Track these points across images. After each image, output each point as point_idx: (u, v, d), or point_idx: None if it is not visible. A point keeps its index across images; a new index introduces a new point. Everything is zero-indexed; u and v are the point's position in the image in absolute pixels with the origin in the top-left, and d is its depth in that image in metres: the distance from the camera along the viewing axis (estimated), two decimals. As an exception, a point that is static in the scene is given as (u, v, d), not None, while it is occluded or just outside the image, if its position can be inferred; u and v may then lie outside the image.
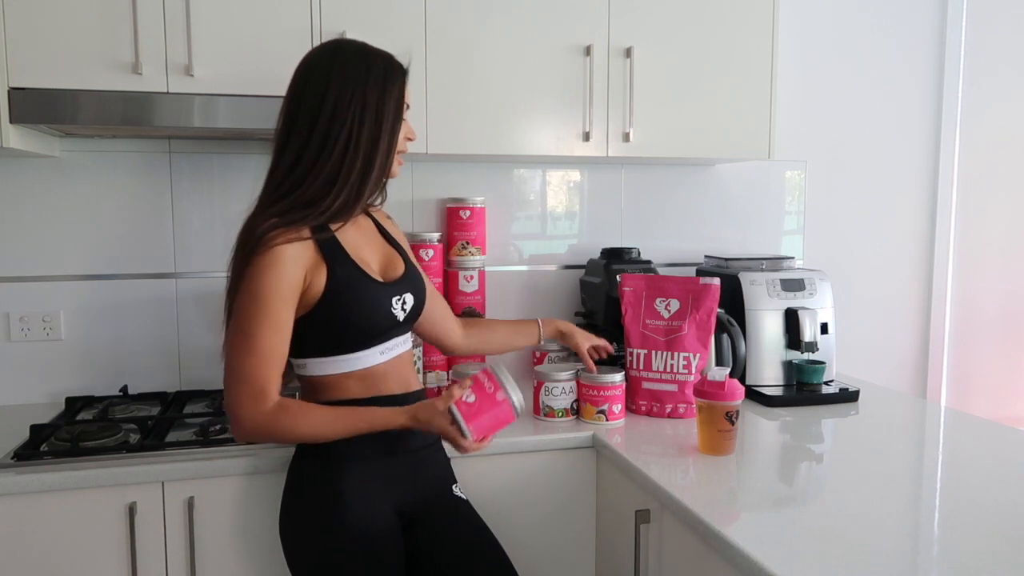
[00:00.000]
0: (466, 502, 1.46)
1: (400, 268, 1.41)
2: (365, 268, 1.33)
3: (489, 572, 1.38)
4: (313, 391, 1.36)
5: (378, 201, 1.42)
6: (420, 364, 1.91)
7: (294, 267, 1.24)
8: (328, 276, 1.27)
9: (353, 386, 1.33)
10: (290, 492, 1.36)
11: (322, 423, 1.26)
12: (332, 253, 1.29)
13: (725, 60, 2.00)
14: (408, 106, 1.36)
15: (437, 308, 1.59)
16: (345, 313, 1.29)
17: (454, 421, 1.24)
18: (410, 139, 1.39)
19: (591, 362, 1.72)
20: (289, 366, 1.36)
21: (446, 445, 1.43)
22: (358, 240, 1.38)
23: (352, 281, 1.30)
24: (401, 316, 1.36)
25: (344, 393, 1.33)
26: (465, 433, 1.23)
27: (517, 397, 1.25)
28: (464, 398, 1.23)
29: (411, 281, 1.41)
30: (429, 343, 1.67)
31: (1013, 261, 2.67)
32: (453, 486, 1.45)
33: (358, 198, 1.30)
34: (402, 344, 1.40)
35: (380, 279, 1.35)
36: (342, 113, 1.27)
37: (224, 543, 1.50)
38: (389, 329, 1.35)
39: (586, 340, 1.74)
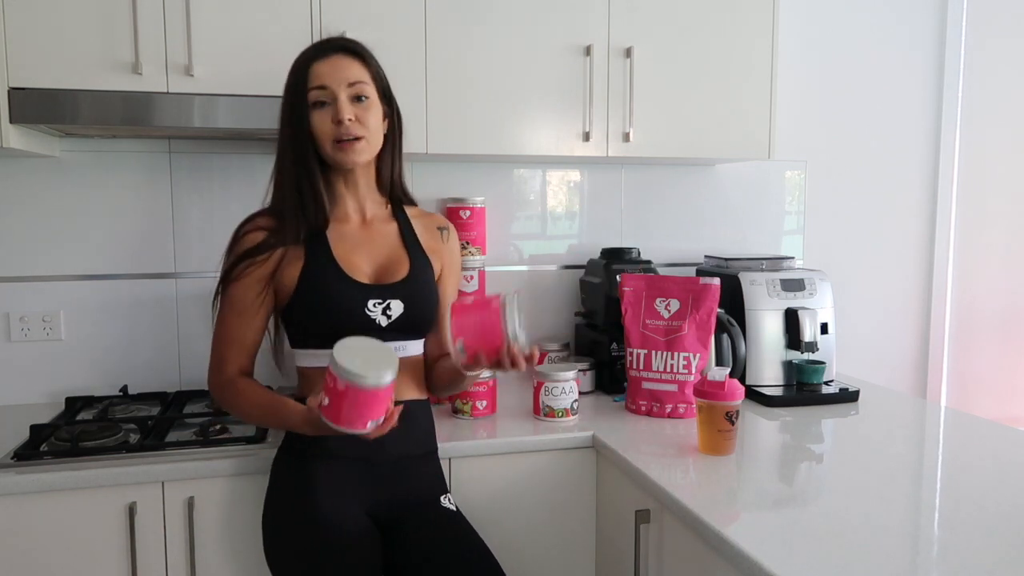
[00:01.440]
0: (456, 513, 1.42)
1: (399, 274, 1.38)
2: (343, 264, 1.34)
3: None
4: (299, 383, 1.40)
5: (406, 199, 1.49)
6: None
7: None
8: (303, 266, 1.32)
9: None
10: (269, 488, 1.38)
11: (251, 406, 1.32)
12: (311, 244, 1.33)
13: (725, 60, 2.00)
14: (324, 87, 1.31)
15: (429, 345, 1.47)
16: (311, 304, 1.32)
17: None
18: (338, 121, 1.31)
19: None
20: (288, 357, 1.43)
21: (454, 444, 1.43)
22: (354, 240, 1.38)
23: (323, 274, 1.33)
24: (383, 321, 1.34)
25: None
26: (340, 432, 1.15)
27: (354, 371, 1.10)
28: (320, 404, 1.16)
29: (407, 290, 1.37)
30: None
31: (1013, 261, 2.67)
32: (442, 496, 1.42)
33: (294, 194, 1.34)
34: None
35: (363, 280, 1.35)
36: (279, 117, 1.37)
37: (224, 543, 1.50)
38: (365, 332, 1.32)
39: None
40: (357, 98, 1.32)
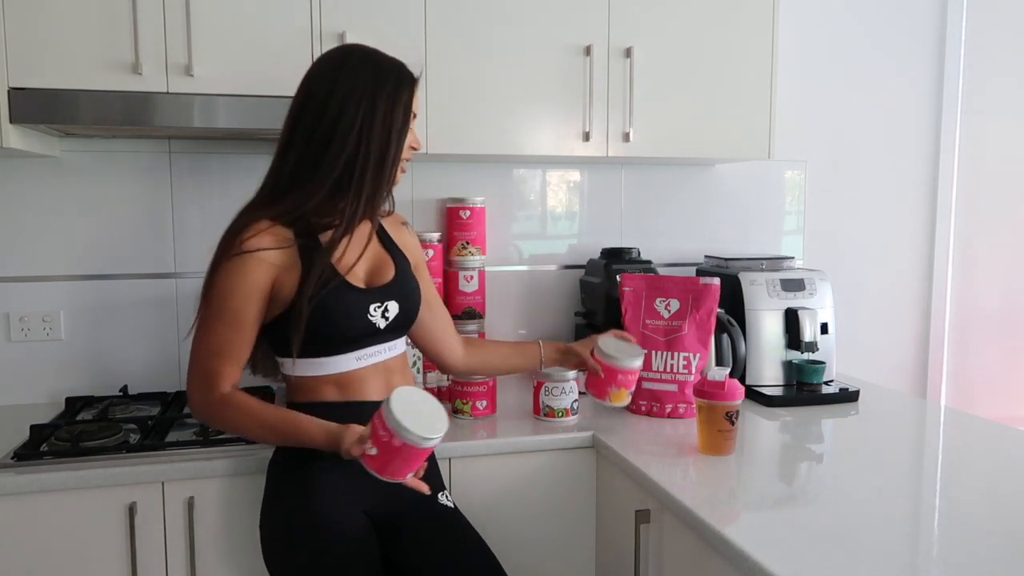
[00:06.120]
0: (454, 510, 1.42)
1: (388, 275, 1.38)
2: (342, 272, 1.31)
3: None
4: (292, 390, 1.37)
5: (386, 207, 1.42)
6: (420, 364, 1.91)
7: (261, 268, 1.26)
8: (301, 274, 1.27)
9: (328, 390, 1.33)
10: (266, 489, 1.36)
11: (255, 424, 1.28)
12: (310, 255, 1.28)
13: (725, 60, 2.00)
14: (415, 115, 1.35)
15: (437, 323, 1.56)
16: (317, 314, 1.27)
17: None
18: (415, 148, 1.38)
19: (596, 366, 1.59)
20: (276, 364, 1.39)
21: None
22: (343, 245, 1.37)
23: (325, 282, 1.29)
24: (381, 324, 1.34)
25: (319, 395, 1.32)
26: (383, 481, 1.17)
27: (416, 433, 1.12)
28: (367, 452, 1.16)
29: (398, 289, 1.37)
30: (429, 359, 1.64)
31: (1013, 261, 2.67)
32: (440, 494, 1.42)
33: (368, 207, 1.30)
34: (386, 351, 1.38)
35: (361, 285, 1.34)
36: (349, 119, 1.26)
37: (224, 543, 1.50)
38: (366, 336, 1.33)
39: (585, 347, 1.64)
40: None
